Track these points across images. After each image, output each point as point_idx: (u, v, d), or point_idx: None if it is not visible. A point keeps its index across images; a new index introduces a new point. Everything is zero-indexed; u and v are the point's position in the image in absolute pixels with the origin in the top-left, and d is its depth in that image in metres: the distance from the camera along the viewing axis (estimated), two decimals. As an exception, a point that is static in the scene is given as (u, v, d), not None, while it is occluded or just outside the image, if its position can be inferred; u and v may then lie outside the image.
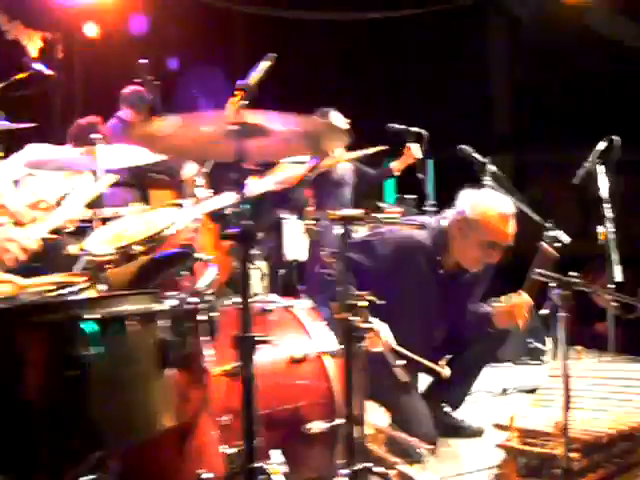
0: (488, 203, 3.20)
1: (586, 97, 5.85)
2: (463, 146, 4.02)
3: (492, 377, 4.20)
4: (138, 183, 5.27)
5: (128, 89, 5.33)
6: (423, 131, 5.02)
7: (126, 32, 7.09)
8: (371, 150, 4.74)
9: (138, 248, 2.48)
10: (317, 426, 2.32)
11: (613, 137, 3.92)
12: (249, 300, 2.68)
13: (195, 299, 1.95)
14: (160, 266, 2.49)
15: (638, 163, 5.01)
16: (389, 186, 6.79)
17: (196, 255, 2.50)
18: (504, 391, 4.17)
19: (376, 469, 2.01)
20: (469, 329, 3.46)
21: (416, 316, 3.26)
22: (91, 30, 7.30)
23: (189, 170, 5.71)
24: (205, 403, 1.92)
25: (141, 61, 3.84)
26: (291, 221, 6.22)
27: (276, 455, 1.94)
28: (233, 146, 1.82)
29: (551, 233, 4.02)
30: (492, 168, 4.00)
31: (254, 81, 2.90)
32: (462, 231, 3.22)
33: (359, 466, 1.95)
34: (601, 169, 3.91)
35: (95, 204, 3.23)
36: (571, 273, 2.57)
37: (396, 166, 5.28)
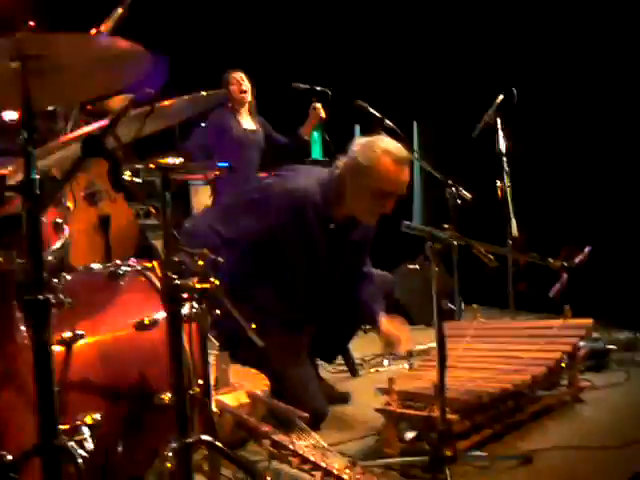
0: (381, 149, 3.00)
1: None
2: (359, 101, 3.84)
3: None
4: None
5: None
6: (327, 90, 4.83)
7: None
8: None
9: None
10: (165, 397, 2.15)
11: (512, 89, 3.80)
12: (103, 266, 2.56)
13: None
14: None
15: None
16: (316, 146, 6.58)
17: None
18: (409, 354, 4.04)
19: (217, 443, 1.84)
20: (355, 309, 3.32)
21: (303, 274, 3.10)
22: None
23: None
24: (8, 374, 1.72)
25: None
26: (200, 188, 6.03)
27: (85, 431, 1.77)
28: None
29: (452, 190, 3.92)
30: (389, 124, 3.84)
31: (106, 28, 2.70)
32: (354, 178, 3.03)
33: (191, 439, 1.78)
34: (499, 122, 3.79)
35: None
36: (444, 225, 2.44)
37: (304, 130, 5.10)
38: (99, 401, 2.09)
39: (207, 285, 1.94)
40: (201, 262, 1.98)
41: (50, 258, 2.40)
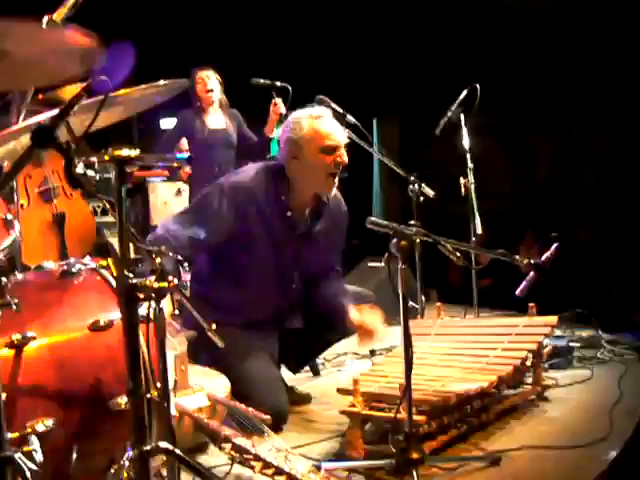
0: (301, 118, 3.00)
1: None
2: (321, 96, 3.77)
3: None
4: None
5: None
6: (288, 85, 4.75)
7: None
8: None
9: None
10: (121, 401, 2.05)
11: (475, 85, 3.77)
12: (57, 264, 2.44)
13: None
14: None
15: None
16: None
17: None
18: (372, 353, 3.98)
19: (175, 450, 1.75)
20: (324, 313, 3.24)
21: (264, 266, 3.03)
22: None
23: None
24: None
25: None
26: (158, 184, 5.92)
27: (34, 441, 1.67)
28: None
29: (415, 187, 3.88)
30: (352, 120, 3.78)
31: (59, 16, 2.58)
32: (295, 156, 2.99)
33: (149, 446, 1.69)
34: (462, 118, 3.76)
35: None
36: (410, 222, 2.38)
37: (267, 128, 5.02)
38: (51, 406, 1.98)
39: (165, 284, 1.85)
40: (158, 260, 1.89)
41: (-1, 256, 2.30)
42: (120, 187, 1.69)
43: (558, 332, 3.85)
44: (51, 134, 1.64)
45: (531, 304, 3.12)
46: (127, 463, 1.65)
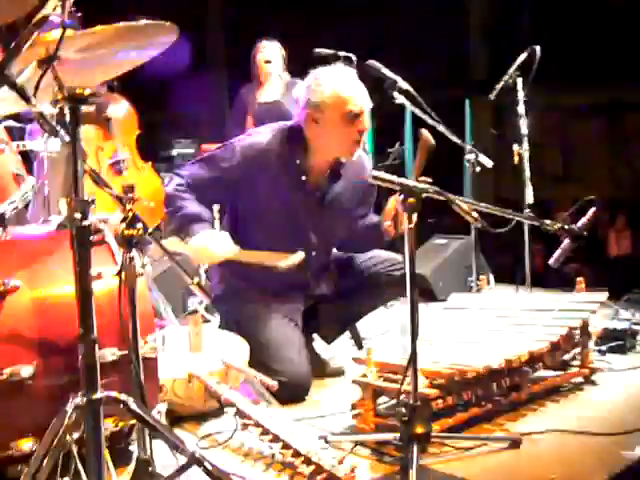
0: (321, 77, 2.84)
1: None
2: (371, 61, 3.61)
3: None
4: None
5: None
6: (352, 55, 4.60)
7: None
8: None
9: None
10: (106, 354, 2.01)
11: (535, 47, 3.51)
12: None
13: None
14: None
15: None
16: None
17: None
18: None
19: (128, 402, 1.67)
20: (361, 246, 3.11)
21: (284, 229, 2.92)
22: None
23: (115, 109, 5.43)
24: None
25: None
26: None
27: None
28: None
29: (472, 156, 3.68)
30: (404, 85, 3.60)
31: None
32: (315, 120, 2.85)
33: (99, 395, 1.62)
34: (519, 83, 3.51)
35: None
36: (422, 178, 2.21)
37: None
38: (31, 354, 1.97)
39: (133, 231, 1.79)
40: (130, 206, 1.82)
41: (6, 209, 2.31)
42: (74, 126, 1.63)
43: (624, 313, 3.56)
44: (2, 71, 1.59)
45: (579, 279, 2.87)
46: (70, 411, 1.58)
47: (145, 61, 2.06)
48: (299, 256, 2.69)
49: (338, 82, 2.82)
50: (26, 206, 4.50)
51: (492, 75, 3.95)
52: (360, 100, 2.81)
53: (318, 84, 2.83)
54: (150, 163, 5.52)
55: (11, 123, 3.99)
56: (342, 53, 4.66)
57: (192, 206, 2.80)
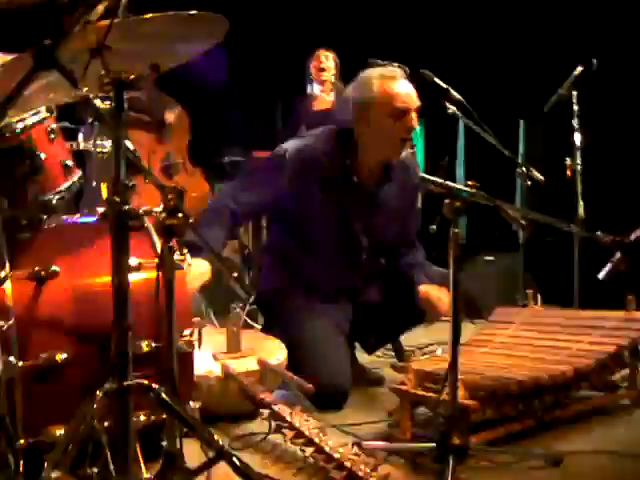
0: (372, 77, 2.84)
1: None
2: (424, 70, 3.58)
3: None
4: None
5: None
6: (405, 67, 4.56)
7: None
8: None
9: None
10: (142, 345, 2.00)
11: (593, 60, 3.43)
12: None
13: None
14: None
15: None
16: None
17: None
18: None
19: (158, 390, 1.65)
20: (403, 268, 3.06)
21: (334, 231, 2.90)
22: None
23: (170, 114, 5.48)
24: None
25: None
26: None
27: None
28: None
29: (523, 170, 3.60)
30: (456, 96, 3.55)
31: None
32: (363, 118, 2.83)
33: (130, 382, 1.60)
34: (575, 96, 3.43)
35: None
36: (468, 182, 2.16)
37: None
38: (67, 342, 1.97)
39: (174, 221, 1.77)
40: (171, 196, 1.81)
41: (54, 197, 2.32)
42: (118, 111, 1.62)
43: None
44: (52, 54, 1.59)
45: (629, 296, 2.77)
46: (100, 395, 1.56)
47: (193, 56, 2.06)
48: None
49: (385, 80, 2.82)
50: (77, 201, 4.59)
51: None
52: (407, 97, 2.79)
53: (366, 82, 2.84)
54: (200, 169, 5.57)
55: (66, 125, 4.06)
56: (395, 64, 4.65)
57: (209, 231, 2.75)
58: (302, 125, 5.16)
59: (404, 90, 2.80)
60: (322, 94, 5.08)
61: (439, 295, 2.78)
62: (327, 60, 4.99)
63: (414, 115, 2.79)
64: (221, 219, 2.80)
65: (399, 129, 2.78)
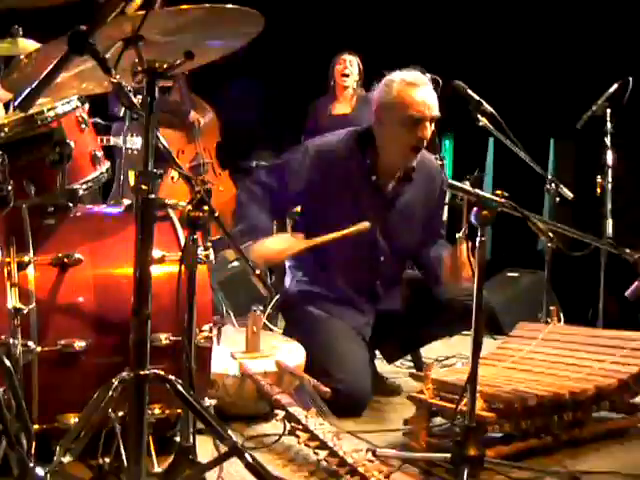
0: (395, 80, 2.80)
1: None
2: (457, 81, 3.56)
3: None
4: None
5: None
6: (438, 77, 4.54)
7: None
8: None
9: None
10: (162, 337, 2.00)
11: (629, 78, 3.39)
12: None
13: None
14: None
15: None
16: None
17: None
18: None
19: (174, 381, 1.64)
20: (426, 276, 3.03)
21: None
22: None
23: (198, 115, 5.51)
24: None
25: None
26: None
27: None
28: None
29: (553, 187, 3.57)
30: (488, 108, 3.53)
31: None
32: (380, 120, 2.83)
33: (146, 371, 1.59)
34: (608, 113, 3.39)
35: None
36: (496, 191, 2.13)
37: None
38: (87, 329, 1.97)
39: (199, 213, 1.77)
40: (198, 188, 1.81)
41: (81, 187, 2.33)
42: (150, 99, 1.62)
43: None
44: (86, 39, 1.60)
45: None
46: (115, 384, 1.56)
47: (228, 52, 2.05)
48: (364, 224, 2.71)
49: (406, 85, 2.78)
50: (105, 196, 4.62)
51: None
52: (423, 106, 2.75)
53: (387, 84, 2.83)
54: (227, 171, 5.60)
55: (98, 120, 4.10)
56: (428, 75, 4.63)
57: (255, 216, 2.82)
58: (321, 127, 5.16)
59: (421, 98, 2.76)
60: (343, 99, 5.08)
61: (464, 261, 2.70)
62: (351, 65, 4.99)
63: (428, 125, 2.77)
64: (260, 202, 2.83)
65: (410, 137, 2.76)
